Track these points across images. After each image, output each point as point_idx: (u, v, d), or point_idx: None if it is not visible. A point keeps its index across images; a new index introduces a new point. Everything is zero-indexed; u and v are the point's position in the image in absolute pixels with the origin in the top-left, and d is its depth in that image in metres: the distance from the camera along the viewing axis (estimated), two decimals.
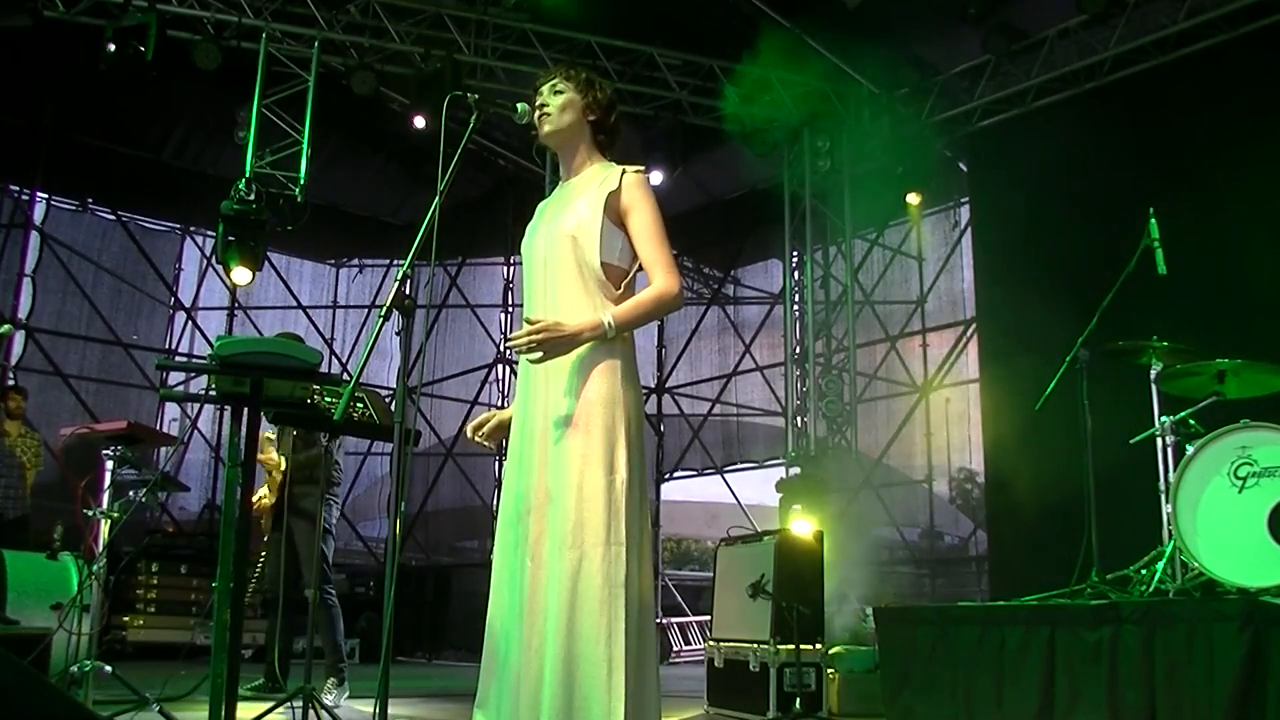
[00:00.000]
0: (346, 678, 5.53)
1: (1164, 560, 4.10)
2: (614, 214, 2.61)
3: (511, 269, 14.37)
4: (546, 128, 2.71)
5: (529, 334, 2.45)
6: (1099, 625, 3.70)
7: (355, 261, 14.45)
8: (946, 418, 11.14)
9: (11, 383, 9.31)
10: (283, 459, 5.62)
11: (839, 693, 5.31)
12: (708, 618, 7.13)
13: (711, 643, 5.78)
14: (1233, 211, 6.61)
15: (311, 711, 3.79)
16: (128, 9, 7.79)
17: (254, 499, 5.66)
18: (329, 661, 5.55)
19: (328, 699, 5.24)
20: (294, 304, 13.86)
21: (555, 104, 2.70)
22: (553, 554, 2.42)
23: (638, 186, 2.64)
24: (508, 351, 12.70)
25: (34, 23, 7.93)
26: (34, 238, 11.33)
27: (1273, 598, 3.49)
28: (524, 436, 2.58)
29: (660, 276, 2.59)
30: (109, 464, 4.29)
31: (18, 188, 11.10)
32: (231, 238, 7.95)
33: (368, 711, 2.64)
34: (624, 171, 2.66)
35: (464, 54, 8.78)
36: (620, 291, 2.60)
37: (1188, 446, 4.10)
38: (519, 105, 2.77)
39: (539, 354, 2.46)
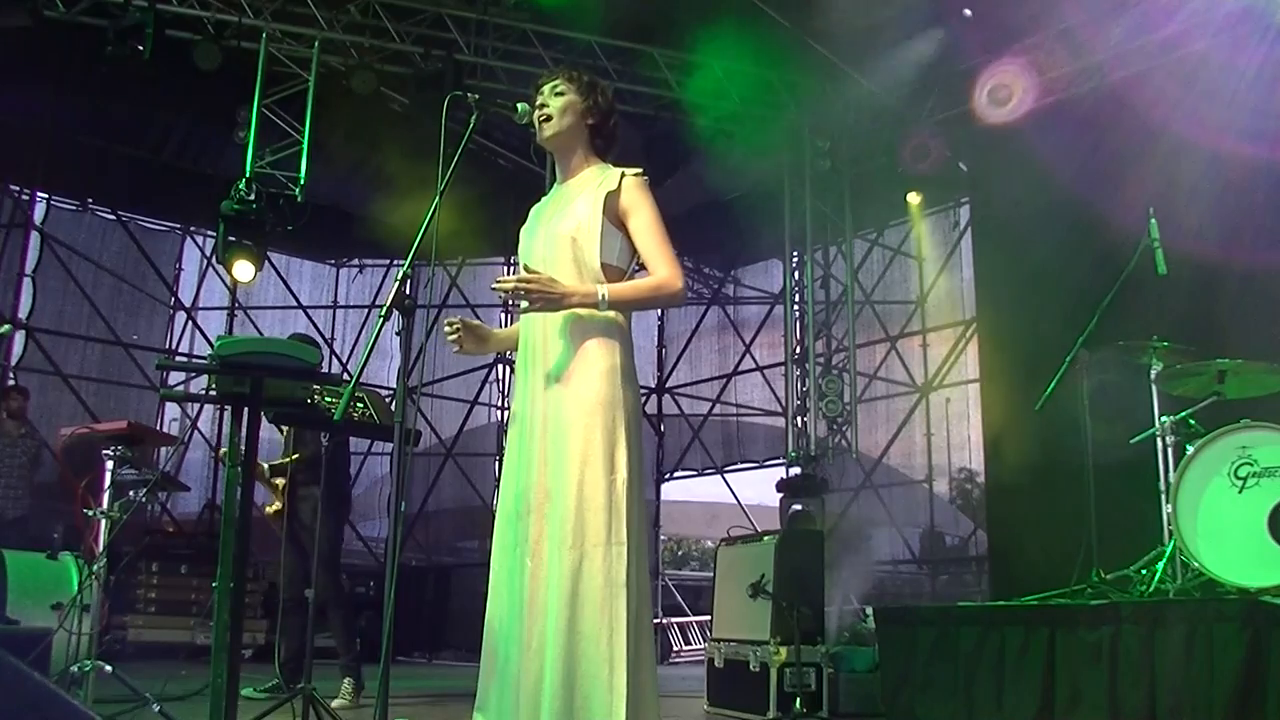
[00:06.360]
0: (364, 679, 5.51)
1: (1164, 560, 4.10)
2: (613, 215, 2.62)
3: (511, 269, 14.35)
4: (546, 130, 2.71)
5: (520, 280, 2.48)
6: (1099, 625, 3.70)
7: (355, 261, 14.43)
8: (946, 418, 11.15)
9: (12, 383, 9.30)
10: (266, 465, 5.60)
11: (839, 693, 5.30)
12: (708, 618, 7.12)
13: (712, 643, 5.78)
14: (1232, 211, 6.59)
15: (312, 711, 3.79)
16: (127, 9, 7.78)
17: (265, 508, 5.67)
18: (344, 662, 5.54)
19: (343, 700, 5.23)
20: (294, 304, 13.84)
21: (556, 105, 2.70)
22: (553, 553, 2.42)
23: (637, 188, 2.64)
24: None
25: (33, 22, 7.92)
26: (34, 238, 11.30)
27: (1273, 598, 3.49)
28: (523, 436, 2.58)
29: (663, 269, 2.59)
30: (109, 464, 4.28)
31: (18, 188, 11.06)
32: (231, 238, 7.95)
33: (368, 711, 2.64)
34: (623, 174, 2.66)
35: (464, 54, 8.77)
36: None
37: (1188, 446, 4.10)
38: (519, 105, 2.77)
39: (525, 303, 2.50)
